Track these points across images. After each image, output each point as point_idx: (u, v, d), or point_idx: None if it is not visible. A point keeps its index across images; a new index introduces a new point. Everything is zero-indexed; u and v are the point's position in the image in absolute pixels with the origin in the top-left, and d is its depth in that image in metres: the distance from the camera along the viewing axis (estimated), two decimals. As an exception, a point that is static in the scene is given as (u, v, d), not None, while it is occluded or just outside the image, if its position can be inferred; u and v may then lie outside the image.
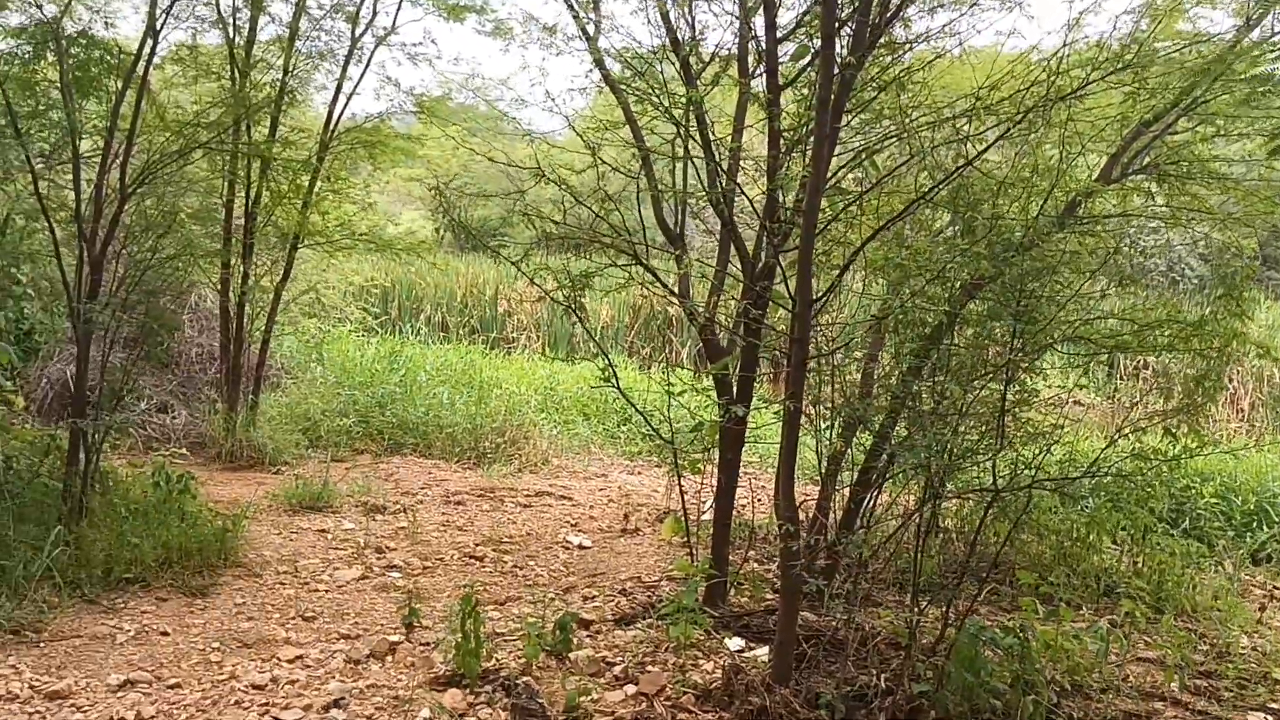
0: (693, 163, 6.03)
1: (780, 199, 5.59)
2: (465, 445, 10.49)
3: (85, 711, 4.20)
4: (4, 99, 5.48)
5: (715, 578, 5.78)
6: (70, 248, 6.14)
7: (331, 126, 9.86)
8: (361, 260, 17.49)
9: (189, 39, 8.98)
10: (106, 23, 6.13)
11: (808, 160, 5.45)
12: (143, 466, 7.37)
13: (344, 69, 9.89)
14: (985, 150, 4.88)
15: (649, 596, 6.06)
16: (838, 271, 5.20)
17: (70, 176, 5.98)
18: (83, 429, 5.81)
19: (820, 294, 4.78)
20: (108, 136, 5.98)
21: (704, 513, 7.22)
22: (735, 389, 5.82)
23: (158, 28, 6.04)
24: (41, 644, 4.86)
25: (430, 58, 9.98)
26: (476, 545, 7.23)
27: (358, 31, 9.72)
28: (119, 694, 4.41)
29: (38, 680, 4.43)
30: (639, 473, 10.66)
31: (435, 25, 13.86)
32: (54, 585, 5.34)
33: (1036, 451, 4.63)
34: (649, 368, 17.82)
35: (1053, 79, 4.56)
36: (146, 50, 6.20)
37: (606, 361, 6.16)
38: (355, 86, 9.99)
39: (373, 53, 9.92)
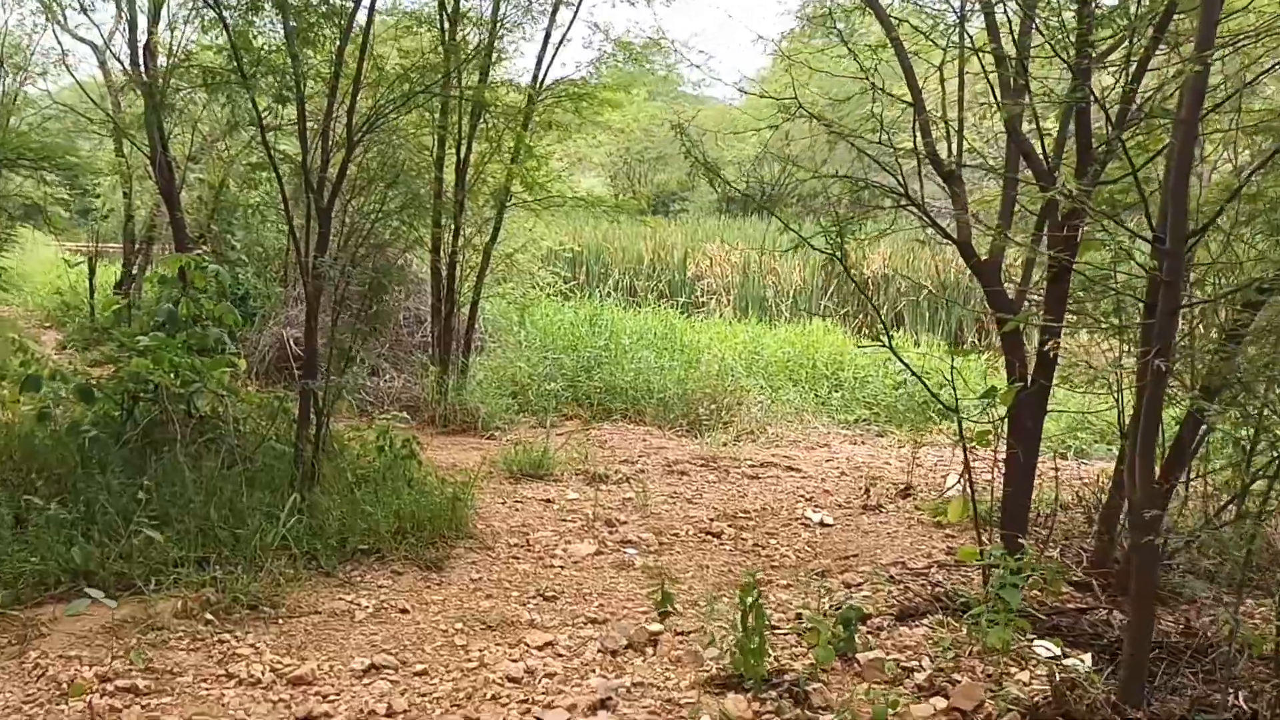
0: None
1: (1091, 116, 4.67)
2: (677, 412, 9.95)
3: (332, 701, 3.82)
4: (230, 42, 5.20)
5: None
6: (297, 202, 5.85)
7: (540, 78, 9.42)
8: (551, 224, 17.29)
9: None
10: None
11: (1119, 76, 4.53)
12: (363, 431, 7.14)
13: (552, 16, 9.42)
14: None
15: (924, 586, 5.29)
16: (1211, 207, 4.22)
17: (295, 126, 5.66)
18: (313, 390, 5.52)
19: (1197, 229, 3.84)
20: (332, 82, 5.63)
21: (961, 491, 6.38)
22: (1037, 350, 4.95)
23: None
24: (280, 620, 4.56)
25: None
26: (711, 520, 6.63)
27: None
28: (364, 681, 4.02)
29: (279, 663, 4.10)
30: (861, 442, 9.84)
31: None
32: (289, 556, 5.06)
33: None
34: (858, 331, 16.85)
35: None
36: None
37: (881, 324, 5.34)
38: (564, 35, 9.49)
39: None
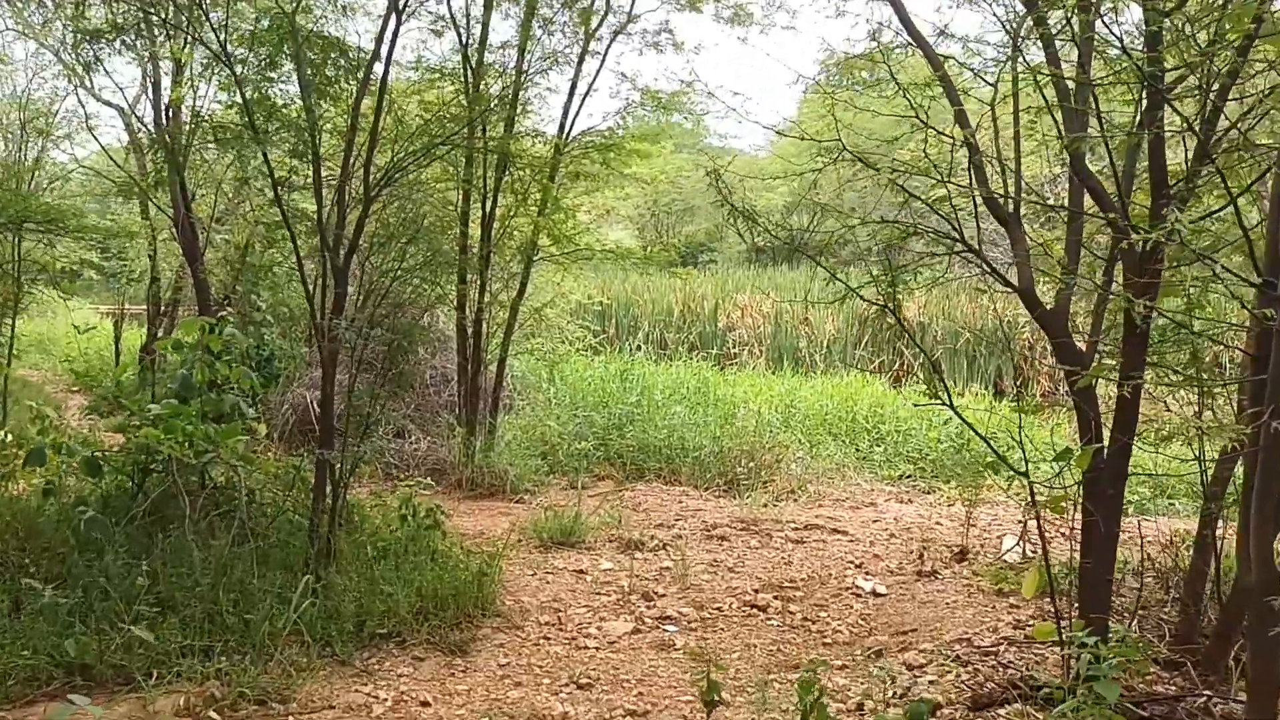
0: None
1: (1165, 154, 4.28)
2: (714, 471, 9.52)
3: (344, 815, 3.42)
4: (241, 98, 4.94)
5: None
6: (313, 259, 5.56)
7: (566, 129, 9.18)
8: (579, 277, 17.04)
9: (419, 42, 8.50)
10: (345, 7, 5.53)
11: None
12: (386, 497, 6.80)
13: (579, 66, 9.20)
14: None
15: (995, 668, 4.81)
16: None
17: (310, 178, 5.39)
18: (329, 461, 5.17)
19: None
20: (349, 135, 5.36)
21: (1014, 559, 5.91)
22: (1116, 405, 4.50)
23: (399, 9, 5.38)
24: (290, 717, 4.16)
25: (670, 44, 9.10)
26: (756, 591, 6.19)
27: (593, 26, 8.99)
28: (381, 788, 3.61)
29: (288, 767, 3.71)
30: (908, 500, 9.36)
31: (673, 18, 13.03)
32: (302, 643, 4.67)
33: None
34: (898, 382, 16.39)
35: None
36: (386, 41, 5.58)
37: (938, 380, 4.93)
38: (590, 84, 9.26)
39: (609, 46, 9.19)
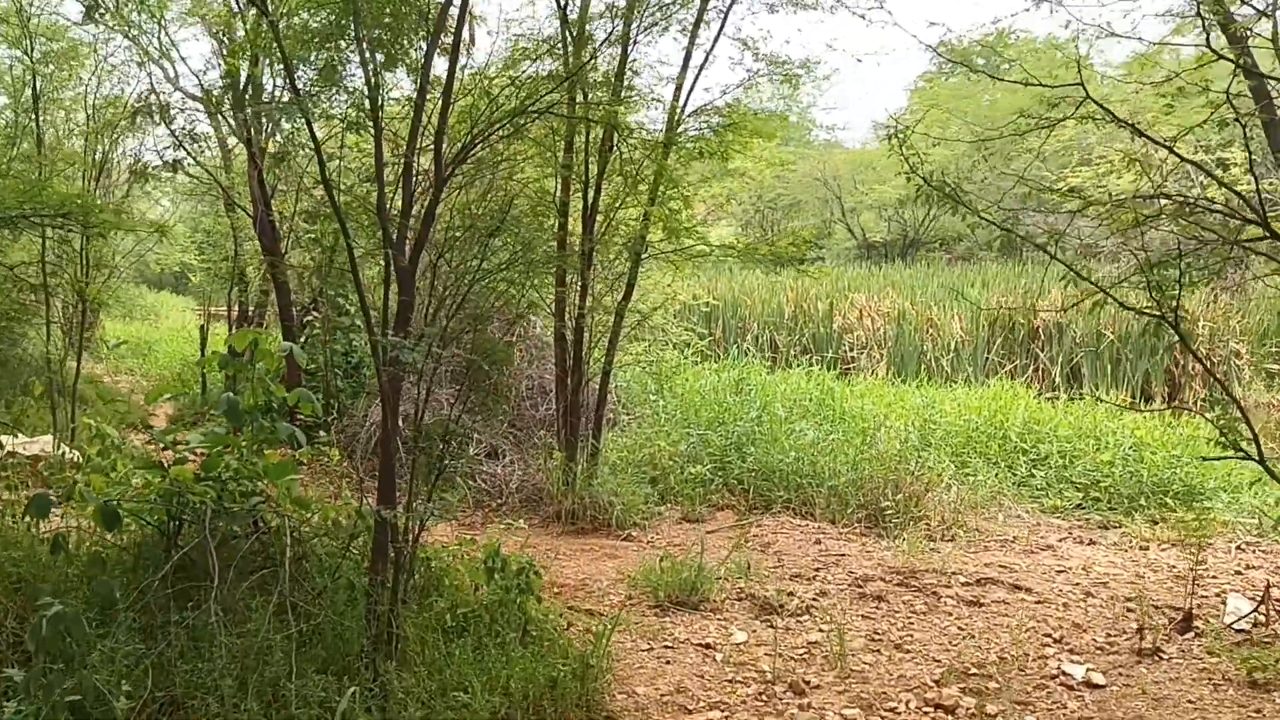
0: None
1: None
2: (853, 503, 8.11)
3: None
4: (278, 44, 3.79)
5: None
6: (374, 258, 4.40)
7: (681, 105, 7.88)
8: (690, 277, 15.73)
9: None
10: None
11: None
12: (467, 545, 5.63)
13: (693, 33, 7.89)
14: None
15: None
16: None
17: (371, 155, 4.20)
18: (390, 521, 3.98)
19: None
20: (418, 98, 4.17)
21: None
22: None
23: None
24: None
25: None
26: (936, 683, 4.79)
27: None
28: None
29: None
30: (1089, 541, 7.79)
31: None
32: (349, 773, 3.50)
33: None
34: (1037, 391, 14.66)
35: None
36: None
37: (1233, 413, 3.52)
38: (708, 54, 7.95)
39: (729, 7, 7.85)
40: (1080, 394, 17.49)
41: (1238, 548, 7.49)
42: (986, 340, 19.22)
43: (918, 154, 3.75)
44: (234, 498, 4.85)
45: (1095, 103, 3.42)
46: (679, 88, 7.77)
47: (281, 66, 3.85)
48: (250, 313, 14.64)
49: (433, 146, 4.11)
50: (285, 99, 3.79)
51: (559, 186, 7.56)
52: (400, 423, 4.25)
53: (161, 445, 5.57)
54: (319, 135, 4.33)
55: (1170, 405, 15.96)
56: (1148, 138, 3.54)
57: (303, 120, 4.07)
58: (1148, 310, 3.41)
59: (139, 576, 4.64)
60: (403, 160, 4.18)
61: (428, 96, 4.18)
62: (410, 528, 4.03)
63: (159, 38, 10.28)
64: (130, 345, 21.36)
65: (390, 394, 4.03)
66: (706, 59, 7.97)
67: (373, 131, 4.24)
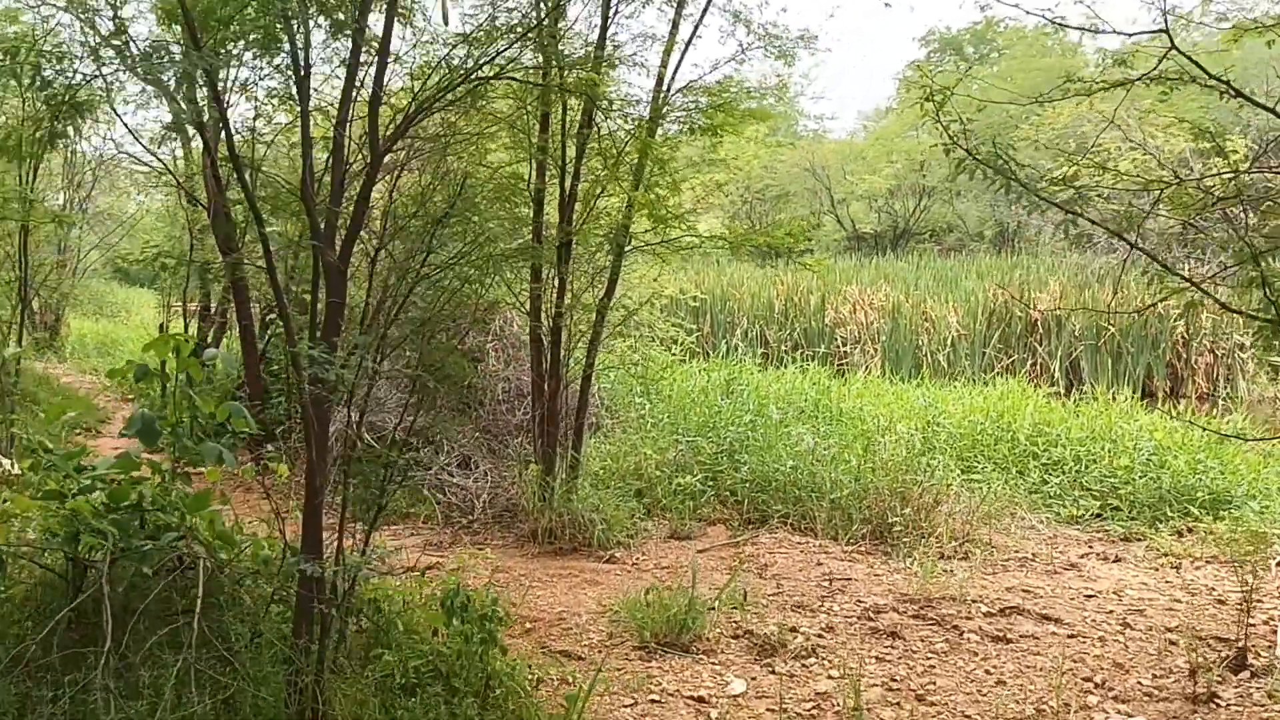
0: None
1: None
2: (857, 517, 7.42)
3: None
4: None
5: None
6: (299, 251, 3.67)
7: (666, 83, 7.16)
8: (677, 270, 15.00)
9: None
10: None
11: None
12: (438, 560, 4.92)
13: (679, 5, 7.17)
14: None
15: None
16: None
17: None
18: (314, 578, 3.26)
19: None
20: (351, 58, 3.44)
21: None
22: None
23: None
24: None
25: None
26: (969, 745, 4.12)
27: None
28: None
29: None
30: (1115, 557, 7.12)
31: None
32: None
33: None
34: (1054, 389, 14.04)
35: None
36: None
37: None
38: (695, 27, 7.23)
39: (719, -25, 7.13)
40: (1082, 391, 16.94)
41: (1277, 564, 6.84)
42: (984, 334, 18.63)
43: (959, 118, 3.06)
44: (151, 532, 4.16)
45: (1183, 54, 2.73)
46: (665, 60, 7.05)
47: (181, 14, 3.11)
48: (213, 310, 13.84)
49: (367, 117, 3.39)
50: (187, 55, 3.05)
51: (533, 171, 6.83)
52: (325, 459, 3.52)
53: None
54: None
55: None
56: (1245, 98, 2.86)
57: (206, 85, 3.33)
58: (1256, 314, 2.74)
59: (40, 628, 3.93)
60: (333, 130, 3.45)
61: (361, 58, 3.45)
62: (342, 581, 3.31)
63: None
64: (94, 343, 20.56)
65: (316, 418, 3.31)
66: (695, 31, 7.25)
67: (298, 100, 3.51)
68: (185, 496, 4.29)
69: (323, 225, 3.38)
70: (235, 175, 3.25)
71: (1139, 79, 2.90)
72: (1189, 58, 2.70)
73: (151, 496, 4.32)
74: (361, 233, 3.56)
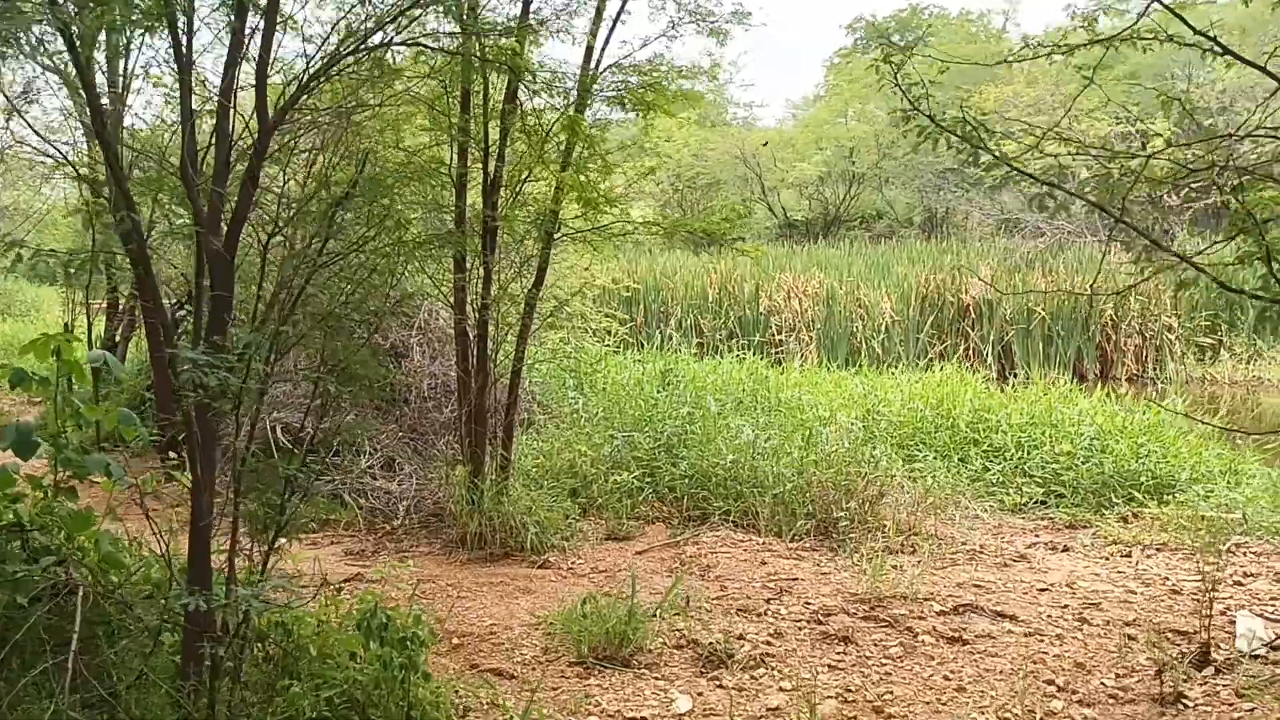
0: None
1: None
2: (800, 512, 7.15)
3: None
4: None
5: None
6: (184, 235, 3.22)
7: (594, 60, 6.79)
8: (608, 259, 14.64)
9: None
10: None
11: None
12: (359, 571, 4.49)
13: (607, -24, 6.80)
14: None
15: None
16: None
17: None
18: (203, 612, 2.83)
19: None
20: (236, 11, 3.00)
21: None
22: None
23: None
24: None
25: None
26: (932, 762, 3.84)
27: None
28: None
29: None
30: (1063, 546, 6.97)
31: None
32: None
33: None
34: (1001, 377, 13.97)
35: None
36: None
37: None
38: (622, 5, 6.86)
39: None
40: (1015, 375, 17.01)
41: (1227, 550, 6.74)
42: (917, 320, 18.62)
43: (920, 82, 2.75)
44: (30, 555, 3.69)
45: (1167, 8, 2.45)
46: (595, 32, 6.67)
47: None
48: (122, 307, 13.08)
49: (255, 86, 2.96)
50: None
51: (454, 154, 6.40)
52: (212, 477, 3.10)
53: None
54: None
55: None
56: (1232, 54, 2.61)
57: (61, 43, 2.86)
58: (1259, 293, 2.48)
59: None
60: (216, 104, 3.01)
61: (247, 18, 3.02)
62: (234, 615, 2.90)
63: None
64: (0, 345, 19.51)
65: (201, 429, 2.89)
66: (624, 5, 6.88)
67: (176, 69, 3.07)
68: (64, 517, 3.83)
69: (205, 209, 2.95)
70: (101, 147, 2.80)
71: (1117, 37, 2.63)
72: (1174, 12, 2.43)
73: (29, 517, 3.86)
74: (253, 217, 3.13)
